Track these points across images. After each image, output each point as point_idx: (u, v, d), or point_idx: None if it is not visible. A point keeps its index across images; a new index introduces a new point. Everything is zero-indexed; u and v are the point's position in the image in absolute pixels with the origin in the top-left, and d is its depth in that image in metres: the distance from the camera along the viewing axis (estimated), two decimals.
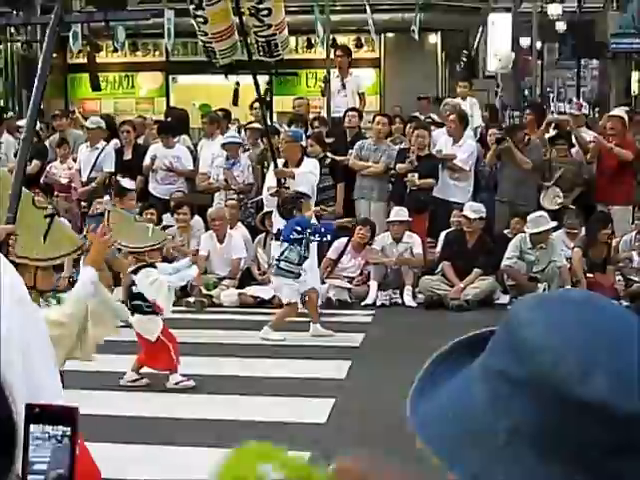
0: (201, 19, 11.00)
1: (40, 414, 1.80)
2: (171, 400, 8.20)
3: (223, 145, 13.58)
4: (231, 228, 12.75)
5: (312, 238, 10.28)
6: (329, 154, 13.40)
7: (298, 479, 1.28)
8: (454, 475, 1.14)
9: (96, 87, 17.90)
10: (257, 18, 10.97)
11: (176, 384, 8.44)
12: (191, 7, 11.06)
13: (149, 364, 8.56)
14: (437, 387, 1.21)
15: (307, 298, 10.53)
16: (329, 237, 10.97)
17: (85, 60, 22.78)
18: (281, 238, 10.32)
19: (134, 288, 8.48)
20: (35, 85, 4.79)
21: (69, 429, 1.79)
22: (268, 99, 17.40)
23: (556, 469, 1.10)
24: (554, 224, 12.12)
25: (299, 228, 10.18)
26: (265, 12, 10.93)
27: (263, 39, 11.18)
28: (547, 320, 1.13)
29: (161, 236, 8.83)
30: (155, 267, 8.39)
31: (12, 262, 4.69)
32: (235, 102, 15.88)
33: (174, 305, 12.24)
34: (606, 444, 1.09)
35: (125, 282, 9.57)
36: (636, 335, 1.13)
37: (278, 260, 10.24)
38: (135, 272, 8.45)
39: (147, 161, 14.16)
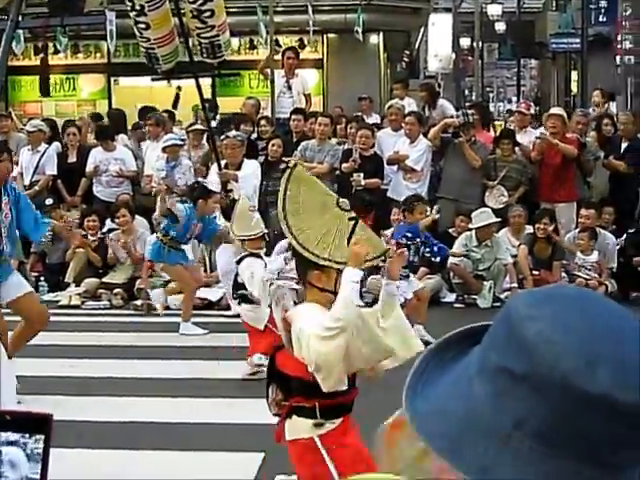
0: (143, 25, 10.88)
1: (11, 421, 1.72)
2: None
3: (163, 148, 13.32)
4: None
5: (422, 249, 10.54)
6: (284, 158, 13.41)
7: None
8: (458, 472, 1.13)
9: (46, 92, 17.50)
10: (200, 20, 10.93)
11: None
12: (132, 14, 10.89)
13: (255, 350, 8.35)
14: (432, 384, 1.21)
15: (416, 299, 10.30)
16: (439, 259, 11.19)
17: (26, 62, 22.58)
18: (392, 241, 10.44)
19: (239, 278, 8.49)
20: None
21: (42, 437, 1.71)
22: (213, 100, 17.30)
23: (563, 463, 1.10)
24: (498, 220, 12.21)
25: (409, 235, 10.43)
26: (208, 13, 10.90)
27: (206, 40, 11.15)
28: (548, 315, 1.13)
29: (261, 227, 8.86)
30: (259, 257, 8.41)
31: (314, 263, 4.61)
32: (175, 106, 15.78)
33: (121, 308, 12.25)
34: (612, 437, 1.09)
35: None
36: (635, 328, 1.14)
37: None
38: (239, 262, 8.50)
39: (90, 167, 14.09)
